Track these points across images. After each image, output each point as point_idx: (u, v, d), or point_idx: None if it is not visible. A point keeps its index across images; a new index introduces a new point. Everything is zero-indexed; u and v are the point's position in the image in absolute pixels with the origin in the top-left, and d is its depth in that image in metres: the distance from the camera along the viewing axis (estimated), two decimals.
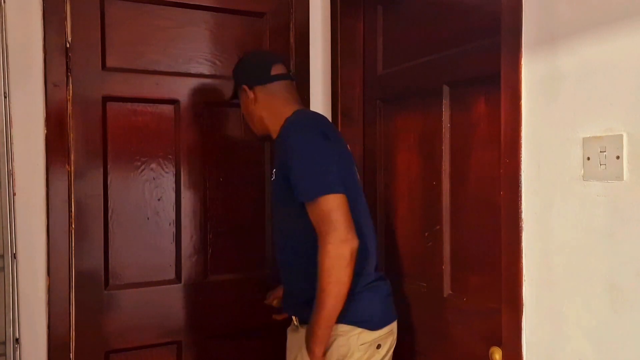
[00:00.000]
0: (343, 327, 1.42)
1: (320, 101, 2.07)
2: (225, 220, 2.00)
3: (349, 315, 1.41)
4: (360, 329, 1.43)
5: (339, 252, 1.32)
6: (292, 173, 1.41)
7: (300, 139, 1.44)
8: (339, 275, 1.33)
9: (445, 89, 1.56)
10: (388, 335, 1.49)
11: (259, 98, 1.60)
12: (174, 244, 1.91)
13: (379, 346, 1.46)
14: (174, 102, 1.90)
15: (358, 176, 1.59)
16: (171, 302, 1.90)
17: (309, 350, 1.40)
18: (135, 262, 1.85)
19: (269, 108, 1.59)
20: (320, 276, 1.34)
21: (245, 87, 1.61)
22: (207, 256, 1.97)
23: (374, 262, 1.54)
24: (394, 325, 1.53)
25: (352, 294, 1.40)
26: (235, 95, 1.69)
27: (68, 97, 1.73)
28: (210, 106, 1.96)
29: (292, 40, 2.07)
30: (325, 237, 1.33)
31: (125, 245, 1.83)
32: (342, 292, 1.35)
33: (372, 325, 1.45)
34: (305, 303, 1.43)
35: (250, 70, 1.65)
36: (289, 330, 1.63)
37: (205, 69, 1.95)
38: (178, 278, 1.91)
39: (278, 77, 1.60)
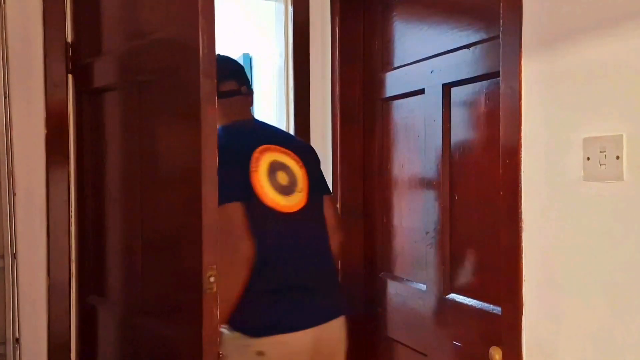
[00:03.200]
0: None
1: (320, 101, 2.07)
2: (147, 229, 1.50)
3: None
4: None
5: None
6: None
7: None
8: None
9: (445, 89, 1.56)
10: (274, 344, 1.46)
11: None
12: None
13: (260, 353, 1.45)
14: None
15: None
16: None
17: None
18: None
19: None
20: None
21: None
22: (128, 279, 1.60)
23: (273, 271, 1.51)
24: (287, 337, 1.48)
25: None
26: None
27: (68, 97, 1.73)
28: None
29: (292, 40, 2.07)
30: None
31: None
32: None
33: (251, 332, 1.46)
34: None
35: None
36: None
37: None
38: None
39: (224, 95, 1.58)
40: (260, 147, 1.57)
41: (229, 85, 1.65)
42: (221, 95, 1.52)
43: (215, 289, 1.24)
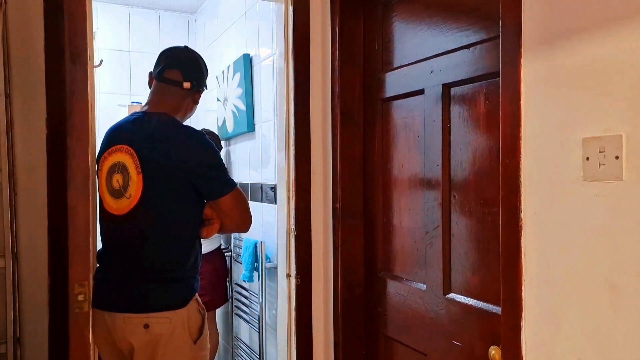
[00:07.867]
0: None
1: (320, 101, 2.07)
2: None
3: None
4: None
5: None
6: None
7: None
8: None
9: (445, 89, 1.57)
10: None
11: None
12: None
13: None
14: None
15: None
16: None
17: None
18: None
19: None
20: None
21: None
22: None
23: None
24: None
25: None
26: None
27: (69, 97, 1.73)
28: None
29: (292, 40, 2.08)
30: None
31: None
32: None
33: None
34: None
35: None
36: None
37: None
38: None
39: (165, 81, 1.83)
40: (113, 148, 1.74)
41: (171, 74, 1.81)
42: (163, 80, 1.81)
43: (86, 309, 1.03)
